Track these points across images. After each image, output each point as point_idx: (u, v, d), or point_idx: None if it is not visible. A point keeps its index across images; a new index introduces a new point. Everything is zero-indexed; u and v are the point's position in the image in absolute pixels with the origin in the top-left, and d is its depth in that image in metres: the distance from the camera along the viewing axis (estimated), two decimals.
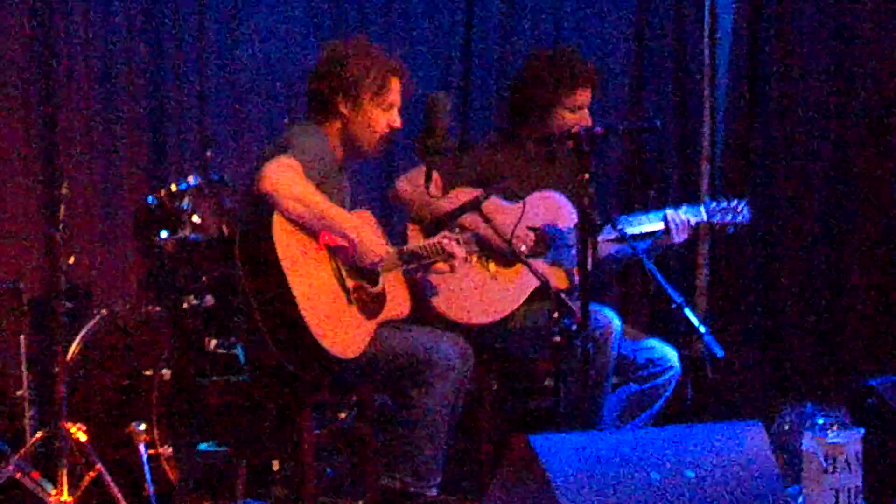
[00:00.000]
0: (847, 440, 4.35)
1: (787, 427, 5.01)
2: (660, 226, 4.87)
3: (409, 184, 4.79)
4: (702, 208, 4.95)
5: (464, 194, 4.65)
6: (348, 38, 4.53)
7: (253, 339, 4.21)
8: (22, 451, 4.81)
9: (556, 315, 4.04)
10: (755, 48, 6.42)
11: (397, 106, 4.45)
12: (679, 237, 4.88)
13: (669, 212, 4.88)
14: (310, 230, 4.17)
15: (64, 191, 4.94)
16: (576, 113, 4.87)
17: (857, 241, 6.17)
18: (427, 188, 4.37)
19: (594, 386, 4.54)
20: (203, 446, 4.88)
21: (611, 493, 3.48)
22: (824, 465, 4.32)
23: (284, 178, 4.11)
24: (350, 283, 4.27)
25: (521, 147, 4.95)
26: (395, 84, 4.42)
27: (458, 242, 4.48)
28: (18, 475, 4.75)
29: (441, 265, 4.46)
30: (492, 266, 4.80)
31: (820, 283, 6.25)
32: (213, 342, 4.86)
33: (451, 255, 4.43)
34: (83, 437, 4.75)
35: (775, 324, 6.34)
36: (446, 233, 4.48)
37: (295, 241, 4.14)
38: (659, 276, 4.26)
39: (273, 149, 4.26)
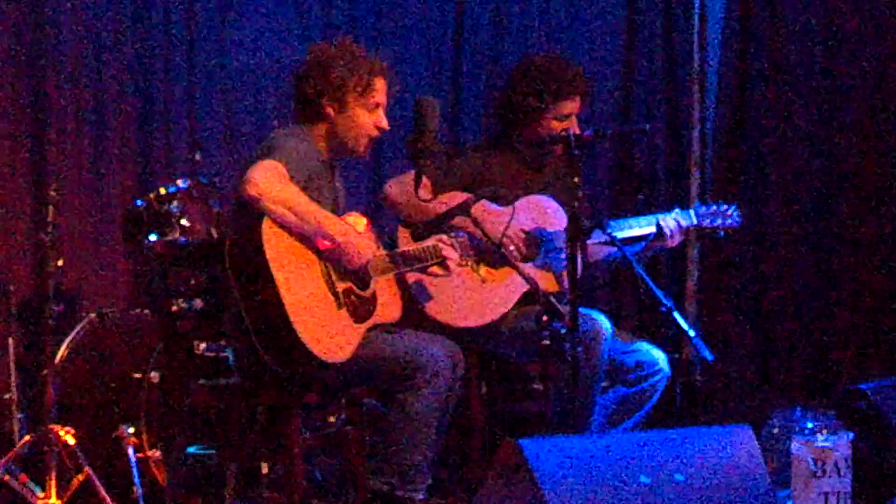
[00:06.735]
0: (836, 444, 4.35)
1: (776, 431, 5.00)
2: (651, 229, 4.87)
3: (399, 187, 4.79)
4: (692, 212, 4.95)
5: (454, 198, 4.64)
6: (333, 40, 4.53)
7: (242, 342, 4.21)
8: (10, 455, 4.79)
9: (545, 318, 4.03)
10: (745, 53, 6.43)
11: (383, 106, 4.44)
12: (673, 241, 4.89)
13: (662, 217, 4.88)
14: (298, 233, 4.17)
15: (52, 193, 4.93)
16: (563, 121, 4.88)
17: (846, 245, 6.18)
18: (417, 192, 4.37)
19: (584, 389, 4.53)
20: (192, 449, 4.86)
21: (600, 497, 3.49)
22: (813, 469, 4.32)
23: (269, 181, 4.11)
24: (340, 287, 4.26)
25: (511, 151, 4.95)
26: (380, 84, 4.41)
27: (454, 246, 4.48)
28: (6, 479, 4.74)
29: (437, 269, 4.46)
30: (482, 270, 4.79)
31: (809, 287, 6.25)
32: (202, 345, 4.84)
33: (446, 259, 4.44)
34: (72, 441, 4.73)
35: (764, 328, 6.34)
36: (442, 236, 4.48)
37: (284, 244, 4.14)
38: (648, 279, 4.26)
39: (257, 152, 4.27)
